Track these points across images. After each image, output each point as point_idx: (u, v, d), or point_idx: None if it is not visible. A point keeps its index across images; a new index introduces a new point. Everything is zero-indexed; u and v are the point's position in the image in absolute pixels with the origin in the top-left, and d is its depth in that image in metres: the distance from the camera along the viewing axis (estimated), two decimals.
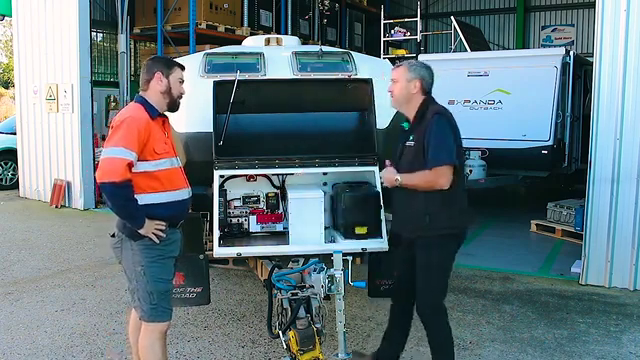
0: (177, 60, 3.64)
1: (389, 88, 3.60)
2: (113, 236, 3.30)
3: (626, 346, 4.55)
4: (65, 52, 10.17)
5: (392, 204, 3.72)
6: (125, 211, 3.11)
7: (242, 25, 13.03)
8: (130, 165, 3.07)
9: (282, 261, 4.03)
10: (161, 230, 3.18)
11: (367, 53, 10.31)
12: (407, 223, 3.56)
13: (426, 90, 3.52)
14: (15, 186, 11.66)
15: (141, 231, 3.14)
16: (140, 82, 3.38)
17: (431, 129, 3.34)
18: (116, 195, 3.07)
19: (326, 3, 14.90)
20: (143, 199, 3.15)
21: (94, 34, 11.91)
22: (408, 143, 3.50)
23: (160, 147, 3.22)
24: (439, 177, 3.31)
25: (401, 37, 14.40)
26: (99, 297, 5.59)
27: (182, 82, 3.39)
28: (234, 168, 4.21)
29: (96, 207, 10.12)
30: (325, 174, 4.51)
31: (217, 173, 4.16)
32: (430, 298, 3.51)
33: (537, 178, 9.86)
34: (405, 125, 3.63)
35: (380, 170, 4.25)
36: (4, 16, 12.19)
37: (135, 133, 3.09)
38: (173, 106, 3.38)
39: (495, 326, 4.92)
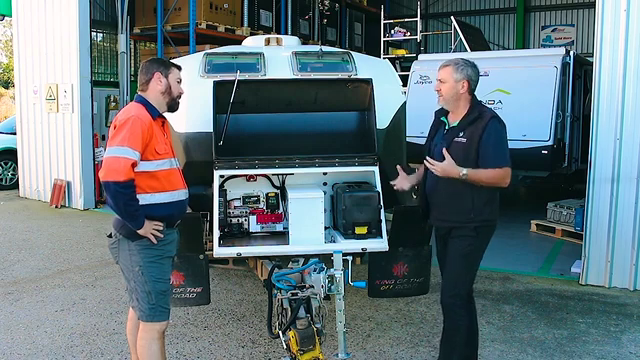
0: (176, 60, 3.65)
1: (436, 87, 3.65)
2: (110, 236, 3.30)
3: (626, 346, 4.55)
4: (65, 52, 10.17)
5: (433, 198, 3.74)
6: (126, 211, 3.10)
7: (242, 25, 13.02)
8: (134, 165, 3.07)
9: (282, 261, 4.03)
10: (159, 230, 3.19)
11: (367, 53, 10.33)
12: (449, 216, 3.61)
13: (474, 89, 3.60)
14: (15, 186, 11.66)
15: (140, 231, 3.14)
16: (138, 83, 3.38)
17: (491, 132, 3.46)
18: (119, 195, 3.06)
19: (326, 3, 14.89)
20: (143, 199, 3.16)
21: (94, 34, 11.89)
22: (458, 139, 3.54)
23: (161, 147, 3.24)
24: (507, 177, 3.45)
25: (401, 37, 14.39)
26: (99, 297, 5.59)
27: (180, 82, 3.41)
28: (234, 168, 4.21)
29: (96, 207, 10.12)
30: (325, 174, 4.52)
31: (217, 173, 4.16)
32: (456, 287, 3.58)
33: (537, 178, 9.84)
34: (444, 119, 3.68)
35: (380, 170, 4.25)
36: (4, 16, 12.18)
37: (139, 132, 3.10)
38: (173, 105, 3.40)
39: (495, 326, 4.92)
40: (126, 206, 3.09)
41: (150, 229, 3.16)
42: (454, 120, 3.62)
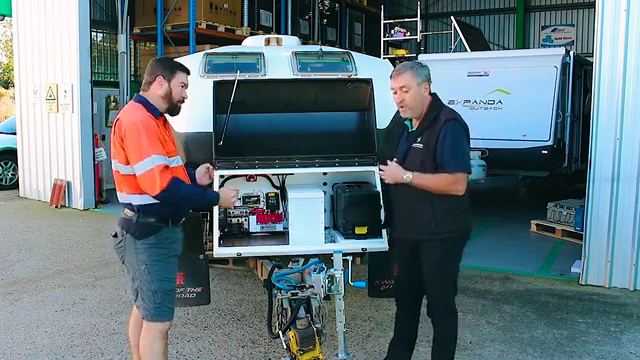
0: (181, 62, 3.61)
1: (397, 99, 3.43)
2: (115, 236, 3.29)
3: (626, 346, 4.55)
4: (65, 52, 10.17)
5: (391, 206, 3.62)
6: (192, 203, 3.35)
7: (242, 25, 13.02)
8: (166, 167, 3.09)
9: (282, 261, 4.03)
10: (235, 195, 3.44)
11: (367, 53, 10.32)
12: (411, 227, 3.47)
13: (430, 90, 3.46)
14: (15, 186, 11.65)
15: (221, 202, 3.40)
16: (143, 82, 3.34)
17: (446, 135, 3.28)
18: (175, 197, 3.16)
19: (326, 3, 14.89)
20: (148, 198, 3.14)
21: (94, 34, 11.89)
22: (415, 145, 3.40)
23: (167, 146, 3.22)
24: (458, 183, 3.27)
25: (401, 37, 14.39)
26: (99, 297, 5.59)
27: (184, 86, 3.33)
28: (234, 168, 4.21)
29: (96, 207, 10.10)
30: (325, 174, 4.52)
31: (217, 173, 4.16)
32: (443, 297, 3.50)
33: (537, 178, 9.85)
34: (408, 123, 3.54)
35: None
36: (4, 16, 12.19)
37: (154, 134, 3.10)
38: (173, 110, 3.34)
39: (495, 326, 4.92)
40: (190, 199, 3.30)
41: (229, 197, 3.40)
42: (416, 123, 3.48)
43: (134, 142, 3.06)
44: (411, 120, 3.51)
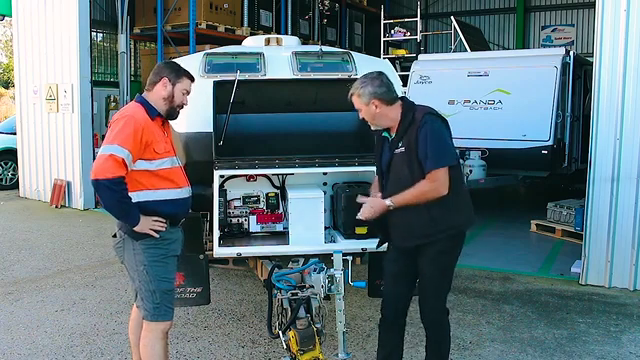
0: (176, 60, 3.62)
1: (360, 115, 3.43)
2: (115, 236, 3.30)
3: (626, 346, 4.55)
4: (65, 52, 10.17)
5: (388, 218, 3.43)
6: (118, 208, 3.09)
7: (242, 25, 13.03)
8: (123, 162, 3.05)
9: (282, 261, 4.03)
10: (160, 225, 3.17)
11: (367, 53, 10.32)
12: (411, 233, 3.36)
13: (391, 98, 3.33)
14: (15, 186, 11.65)
15: (137, 228, 3.12)
16: (147, 82, 3.36)
17: (425, 130, 3.20)
18: (109, 192, 3.03)
19: (326, 3, 14.90)
20: (146, 195, 3.16)
21: (94, 34, 11.91)
22: (397, 151, 3.33)
23: (161, 147, 3.22)
24: (437, 182, 3.16)
25: (401, 37, 14.41)
26: (99, 297, 5.59)
27: (186, 93, 3.37)
28: (234, 168, 4.21)
29: (96, 207, 10.11)
30: (325, 174, 4.52)
31: (217, 173, 4.16)
32: (440, 301, 3.47)
33: (537, 178, 9.86)
34: (386, 134, 3.44)
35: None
36: (4, 16, 12.20)
37: (131, 131, 3.09)
38: (171, 113, 3.36)
39: (495, 326, 4.92)
40: (117, 203, 3.07)
41: (148, 225, 3.14)
42: (393, 132, 3.39)
43: (114, 128, 3.13)
44: (388, 130, 3.43)
